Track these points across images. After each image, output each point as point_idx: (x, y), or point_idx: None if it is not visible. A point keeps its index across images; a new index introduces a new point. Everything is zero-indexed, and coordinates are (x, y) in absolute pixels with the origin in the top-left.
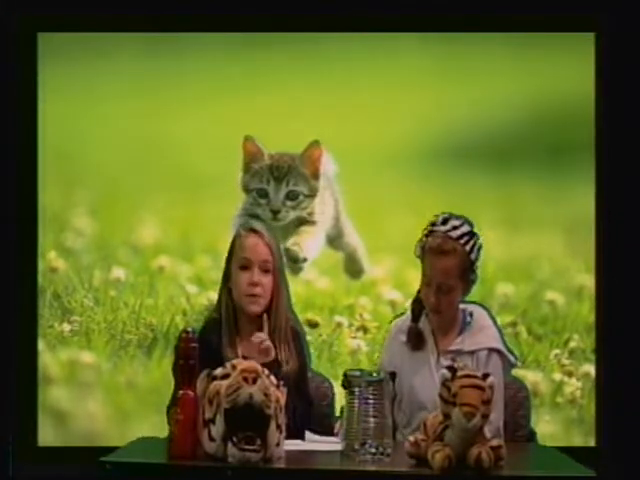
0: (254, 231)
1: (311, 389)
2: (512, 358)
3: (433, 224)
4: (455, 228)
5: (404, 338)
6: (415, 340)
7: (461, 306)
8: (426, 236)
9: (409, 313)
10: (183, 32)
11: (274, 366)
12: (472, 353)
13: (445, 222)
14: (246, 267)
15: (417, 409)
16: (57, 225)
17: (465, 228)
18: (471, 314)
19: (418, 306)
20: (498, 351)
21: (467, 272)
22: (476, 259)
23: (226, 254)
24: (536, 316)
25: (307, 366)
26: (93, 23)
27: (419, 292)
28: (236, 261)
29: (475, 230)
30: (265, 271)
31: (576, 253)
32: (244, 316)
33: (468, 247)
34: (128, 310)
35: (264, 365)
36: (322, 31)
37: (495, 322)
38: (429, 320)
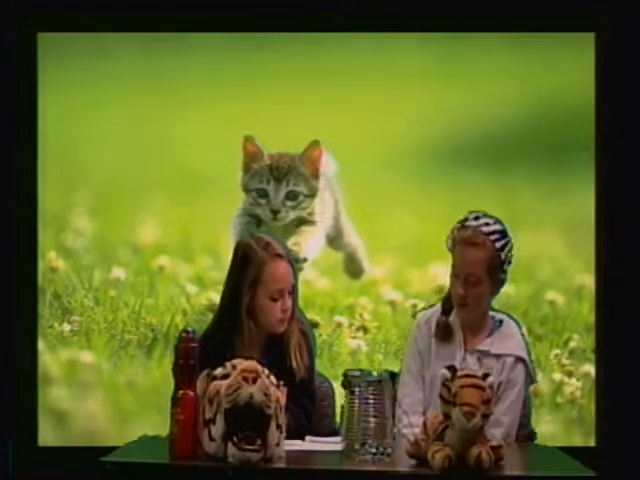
0: (279, 256)
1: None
2: (533, 375)
3: (465, 219)
4: (487, 225)
5: (432, 330)
6: (444, 333)
7: (491, 313)
8: (457, 230)
9: (438, 306)
10: (183, 32)
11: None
12: (499, 357)
13: (477, 218)
14: (279, 297)
15: (433, 400)
16: (57, 225)
17: (497, 227)
18: (500, 321)
19: (449, 302)
20: (524, 362)
21: (496, 269)
22: (506, 261)
23: (231, 262)
24: (536, 316)
25: (314, 364)
26: (93, 23)
27: (449, 292)
28: (267, 292)
29: (508, 234)
30: (290, 293)
31: (576, 253)
32: (262, 330)
33: (499, 245)
34: (128, 310)
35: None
36: (322, 31)
37: (523, 335)
38: (459, 316)
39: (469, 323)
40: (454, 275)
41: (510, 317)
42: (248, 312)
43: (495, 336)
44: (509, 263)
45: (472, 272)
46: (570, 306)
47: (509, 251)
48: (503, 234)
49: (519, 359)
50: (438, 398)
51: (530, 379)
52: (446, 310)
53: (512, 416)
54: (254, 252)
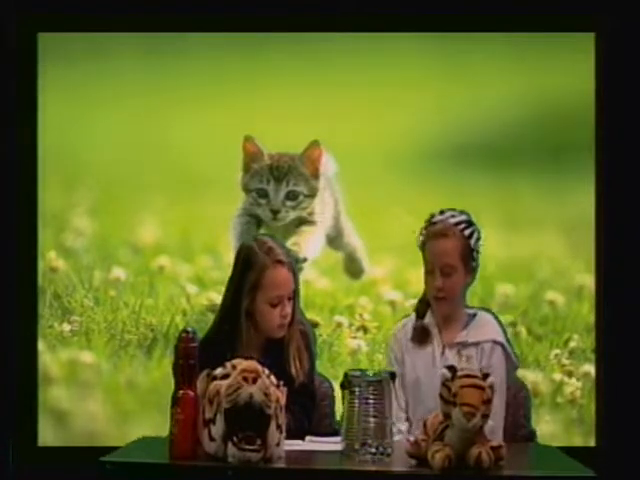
0: (280, 262)
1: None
2: (514, 359)
3: (431, 217)
4: (453, 216)
5: (407, 335)
6: (420, 336)
7: (465, 310)
8: (426, 228)
9: (412, 315)
10: (183, 32)
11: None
12: (477, 345)
13: (442, 213)
14: (278, 303)
15: (420, 402)
16: (57, 225)
17: (463, 217)
18: (474, 314)
19: (423, 306)
20: (502, 345)
21: (467, 257)
22: (476, 248)
23: (233, 264)
24: (536, 316)
25: (315, 365)
26: (93, 23)
27: (424, 295)
28: (266, 297)
29: (474, 223)
30: (290, 299)
31: (576, 253)
32: (261, 334)
33: (467, 232)
34: (128, 310)
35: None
36: (322, 31)
37: (500, 323)
38: (434, 316)
39: (446, 317)
40: (428, 272)
41: (484, 310)
42: (248, 315)
43: (471, 327)
44: (478, 251)
45: (447, 262)
46: (570, 306)
47: (477, 239)
48: (469, 223)
49: (496, 343)
50: (439, 398)
51: (512, 364)
52: (420, 314)
53: (501, 399)
54: (255, 256)
